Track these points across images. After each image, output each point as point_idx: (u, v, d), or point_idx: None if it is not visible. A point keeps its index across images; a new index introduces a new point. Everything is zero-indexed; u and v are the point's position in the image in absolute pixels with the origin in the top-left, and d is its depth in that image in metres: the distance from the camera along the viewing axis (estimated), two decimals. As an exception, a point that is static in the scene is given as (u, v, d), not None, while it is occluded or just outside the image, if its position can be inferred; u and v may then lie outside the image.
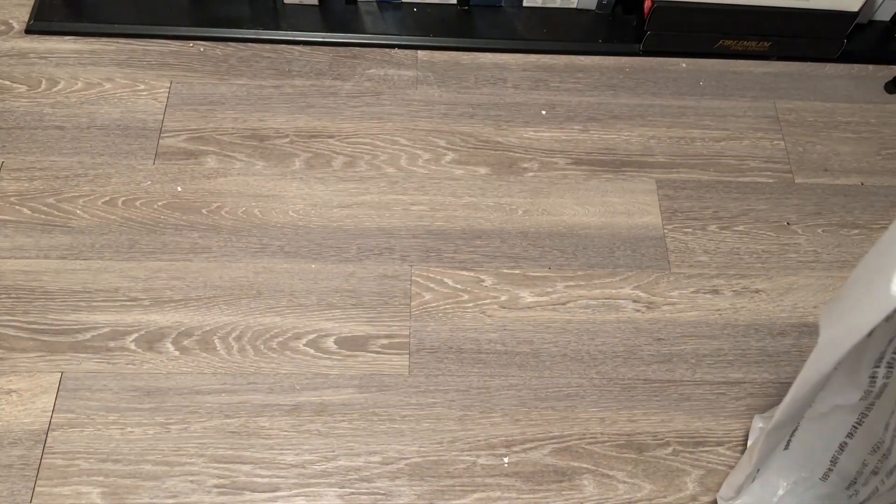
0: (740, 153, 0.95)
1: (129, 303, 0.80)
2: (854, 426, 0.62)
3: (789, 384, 0.80)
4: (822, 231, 0.90)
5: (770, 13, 0.97)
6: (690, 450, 0.75)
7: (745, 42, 1.01)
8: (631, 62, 1.02)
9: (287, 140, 0.92)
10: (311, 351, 0.78)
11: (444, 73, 0.99)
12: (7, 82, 0.94)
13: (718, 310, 0.84)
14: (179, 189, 0.87)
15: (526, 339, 0.81)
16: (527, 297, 0.83)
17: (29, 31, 0.98)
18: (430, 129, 0.94)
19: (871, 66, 1.04)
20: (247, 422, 0.74)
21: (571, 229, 0.88)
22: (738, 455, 0.75)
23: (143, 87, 0.95)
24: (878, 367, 0.56)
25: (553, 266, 0.85)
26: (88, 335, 0.78)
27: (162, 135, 0.91)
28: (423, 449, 0.74)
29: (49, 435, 0.73)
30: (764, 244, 0.89)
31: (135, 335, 0.78)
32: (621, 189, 0.91)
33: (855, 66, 1.04)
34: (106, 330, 0.78)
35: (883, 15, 1.06)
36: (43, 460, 0.71)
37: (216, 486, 0.71)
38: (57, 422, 0.73)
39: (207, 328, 0.79)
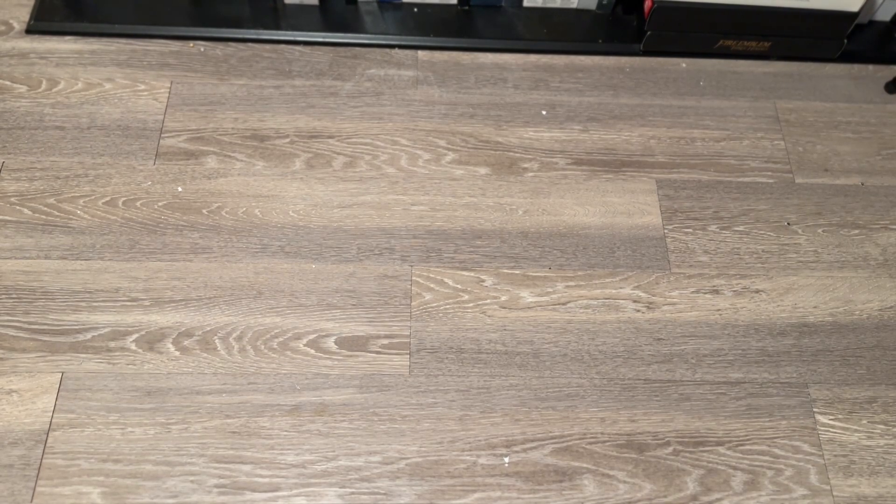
0: (740, 153, 0.95)
1: (129, 303, 0.80)
2: None
3: (789, 384, 0.80)
4: (823, 231, 0.90)
5: (770, 13, 0.97)
6: (691, 450, 0.76)
7: (745, 42, 1.01)
8: (631, 62, 1.02)
9: (287, 140, 0.92)
10: (312, 351, 0.79)
11: (445, 73, 0.99)
12: (7, 82, 0.94)
13: (718, 310, 0.84)
14: (180, 189, 0.88)
15: (526, 339, 0.81)
16: (527, 297, 0.83)
17: (29, 31, 0.98)
18: (430, 130, 0.94)
19: (871, 66, 1.04)
20: (247, 422, 0.74)
21: (571, 229, 0.88)
22: (738, 455, 0.75)
23: (143, 87, 0.95)
24: None
25: (553, 266, 0.85)
26: (89, 335, 0.78)
27: (162, 135, 0.91)
28: (423, 449, 0.74)
29: (50, 435, 0.73)
30: (764, 244, 0.89)
31: (135, 335, 0.78)
32: (621, 189, 0.91)
33: (855, 66, 1.04)
34: (106, 330, 0.78)
35: (883, 15, 1.06)
36: (43, 460, 0.71)
37: (217, 486, 0.71)
38: (57, 422, 0.73)
39: (208, 328, 0.79)
